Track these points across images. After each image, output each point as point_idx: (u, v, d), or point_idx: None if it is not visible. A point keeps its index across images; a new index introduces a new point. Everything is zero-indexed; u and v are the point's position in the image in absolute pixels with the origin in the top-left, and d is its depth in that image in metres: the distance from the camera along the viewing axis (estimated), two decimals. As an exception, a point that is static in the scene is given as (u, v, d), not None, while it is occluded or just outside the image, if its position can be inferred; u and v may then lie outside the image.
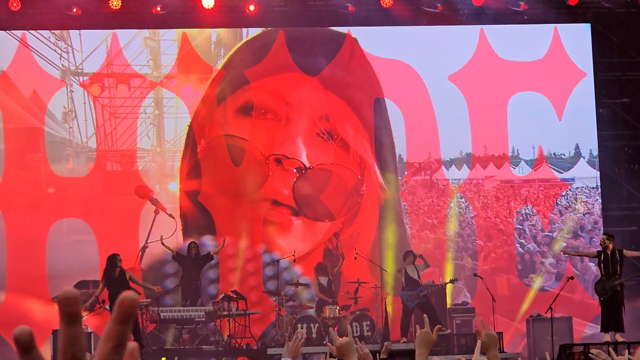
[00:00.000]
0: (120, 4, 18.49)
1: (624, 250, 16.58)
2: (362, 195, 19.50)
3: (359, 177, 19.54)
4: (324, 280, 17.81)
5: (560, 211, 20.08)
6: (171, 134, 19.67)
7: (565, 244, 19.20)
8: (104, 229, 18.77)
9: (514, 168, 20.13)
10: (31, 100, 19.05)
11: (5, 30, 18.89)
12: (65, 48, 19.20)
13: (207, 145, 19.25)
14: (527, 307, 18.81)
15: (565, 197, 20.17)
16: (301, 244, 18.98)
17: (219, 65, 19.60)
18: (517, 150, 20.18)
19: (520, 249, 19.77)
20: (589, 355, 5.59)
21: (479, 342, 4.68)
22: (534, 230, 19.91)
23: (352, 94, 19.54)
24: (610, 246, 16.39)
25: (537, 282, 19.42)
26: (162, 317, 17.07)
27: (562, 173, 20.21)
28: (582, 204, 20.07)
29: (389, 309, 18.10)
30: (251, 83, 19.36)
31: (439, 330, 5.02)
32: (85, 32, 19.21)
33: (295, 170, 19.37)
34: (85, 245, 18.59)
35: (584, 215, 20.02)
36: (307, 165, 19.38)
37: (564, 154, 20.32)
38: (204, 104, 19.31)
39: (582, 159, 20.13)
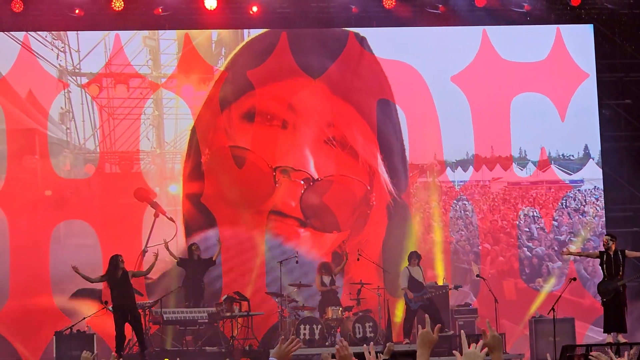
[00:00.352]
0: (123, 5, 18.48)
1: (626, 251, 16.57)
2: (372, 207, 19.37)
3: (368, 187, 19.41)
4: (327, 279, 17.80)
5: (569, 214, 20.01)
6: (171, 136, 19.56)
7: (575, 248, 19.07)
8: (106, 231, 18.72)
9: (521, 170, 20.07)
10: (28, 101, 18.99)
11: (7, 31, 18.87)
12: (63, 47, 19.13)
13: (212, 156, 19.11)
14: (535, 310, 18.68)
15: (574, 200, 20.09)
16: (308, 255, 18.88)
17: (221, 66, 19.50)
18: (525, 151, 20.11)
19: (528, 253, 19.69)
20: (590, 357, 5.59)
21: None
22: (542, 234, 19.83)
23: (362, 99, 19.42)
24: (613, 247, 16.40)
25: (548, 285, 19.31)
26: (165, 319, 17.07)
27: (570, 174, 20.13)
28: (592, 206, 19.97)
29: (399, 314, 17.98)
30: (256, 89, 19.24)
31: (439, 330, 5.01)
32: (82, 32, 19.13)
33: (302, 182, 19.26)
34: (87, 248, 18.52)
35: (594, 217, 19.94)
36: (315, 176, 19.25)
37: (572, 155, 20.22)
38: (207, 108, 19.19)
39: (591, 160, 20.06)
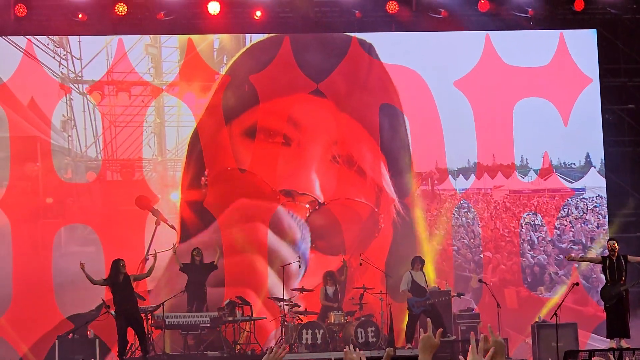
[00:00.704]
0: (126, 9, 18.49)
1: (628, 256, 16.54)
2: (380, 230, 19.25)
3: (376, 209, 19.27)
4: (330, 290, 17.76)
5: (571, 222, 19.95)
6: (172, 143, 19.50)
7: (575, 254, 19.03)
8: (109, 238, 18.69)
9: (523, 177, 20.02)
10: (30, 108, 18.97)
11: (11, 35, 18.87)
12: (65, 55, 19.11)
13: (216, 177, 19.03)
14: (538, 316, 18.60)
15: (576, 208, 20.03)
16: (312, 278, 18.64)
17: (223, 70, 19.44)
18: (526, 159, 20.06)
19: (530, 261, 19.63)
20: (592, 361, 5.58)
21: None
22: (544, 242, 19.78)
23: (368, 113, 19.32)
24: (617, 251, 16.38)
25: (556, 295, 19.21)
26: (167, 323, 17.04)
27: (572, 183, 20.08)
28: (595, 214, 19.90)
29: (407, 319, 17.87)
30: (260, 104, 19.12)
31: (441, 335, 4.99)
32: (84, 39, 19.09)
33: (307, 205, 19.14)
34: (90, 254, 18.47)
35: (596, 227, 19.88)
36: (321, 199, 19.11)
37: (574, 163, 20.18)
38: (209, 115, 19.10)
39: (592, 168, 20.01)
